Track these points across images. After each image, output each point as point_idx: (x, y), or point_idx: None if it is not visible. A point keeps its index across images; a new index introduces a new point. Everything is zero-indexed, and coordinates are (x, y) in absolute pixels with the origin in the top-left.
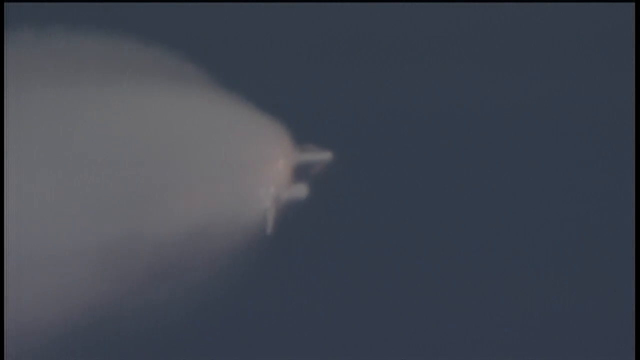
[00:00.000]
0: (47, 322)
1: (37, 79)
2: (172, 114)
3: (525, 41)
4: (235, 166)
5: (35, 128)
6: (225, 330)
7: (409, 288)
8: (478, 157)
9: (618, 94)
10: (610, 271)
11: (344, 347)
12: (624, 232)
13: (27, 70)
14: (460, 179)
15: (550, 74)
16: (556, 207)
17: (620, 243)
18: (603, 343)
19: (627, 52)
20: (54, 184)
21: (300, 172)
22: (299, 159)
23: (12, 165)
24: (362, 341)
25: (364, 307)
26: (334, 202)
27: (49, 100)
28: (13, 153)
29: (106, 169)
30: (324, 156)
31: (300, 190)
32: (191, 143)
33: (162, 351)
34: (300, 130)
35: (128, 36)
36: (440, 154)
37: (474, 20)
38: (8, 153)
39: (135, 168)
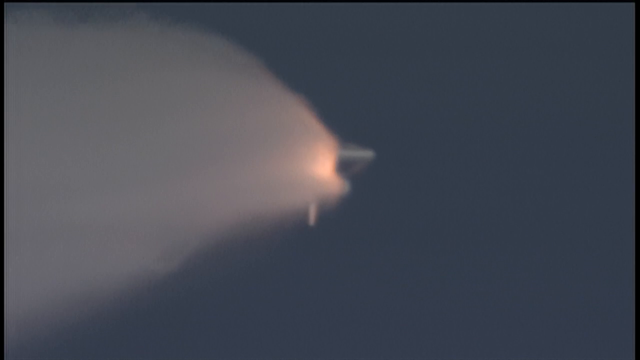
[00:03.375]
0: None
1: (38, 79)
2: (210, 109)
3: (525, 41)
4: (280, 159)
5: (35, 128)
6: (261, 318)
7: (447, 284)
8: (504, 158)
9: (618, 94)
10: (610, 271)
11: (380, 340)
12: (624, 232)
13: (27, 70)
14: (491, 177)
15: (549, 74)
16: (562, 208)
17: (620, 243)
18: (603, 343)
19: (627, 52)
20: (55, 183)
21: (343, 169)
22: (342, 156)
23: (12, 166)
24: (399, 336)
25: (399, 302)
26: (375, 198)
27: (49, 101)
28: (13, 154)
29: (108, 168)
30: (366, 154)
31: (342, 186)
32: (234, 135)
33: (192, 341)
34: (343, 127)
35: (130, 36)
36: (491, 150)
37: (474, 20)
38: (8, 153)
39: (158, 163)
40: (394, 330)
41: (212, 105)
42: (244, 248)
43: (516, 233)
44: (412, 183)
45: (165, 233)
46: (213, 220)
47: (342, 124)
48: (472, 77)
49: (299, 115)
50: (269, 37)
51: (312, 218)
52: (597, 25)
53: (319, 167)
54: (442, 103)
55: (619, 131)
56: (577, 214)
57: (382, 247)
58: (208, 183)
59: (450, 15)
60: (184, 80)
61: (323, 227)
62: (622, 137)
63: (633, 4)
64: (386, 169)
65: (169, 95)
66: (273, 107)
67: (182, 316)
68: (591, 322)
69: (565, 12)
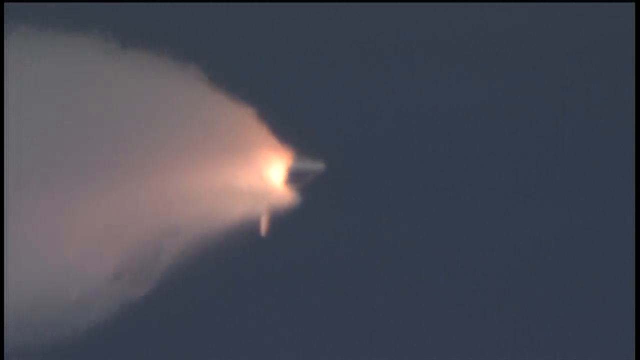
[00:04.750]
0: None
1: (37, 78)
2: (169, 116)
3: (525, 41)
4: (231, 169)
5: (35, 127)
6: (213, 330)
7: (399, 295)
8: (478, 162)
9: (618, 94)
10: (610, 271)
11: (331, 351)
12: (624, 232)
13: (27, 69)
14: (458, 187)
15: (549, 74)
16: (556, 207)
17: (620, 243)
18: (603, 343)
19: (627, 52)
20: (52, 178)
21: (294, 180)
22: (294, 167)
23: (12, 165)
24: (352, 345)
25: (352, 312)
26: (327, 208)
27: (49, 99)
28: (12, 151)
29: (105, 168)
30: (317, 166)
31: (294, 196)
32: (186, 144)
33: (148, 353)
34: (295, 138)
35: (130, 36)
36: (438, 162)
37: (474, 21)
38: (8, 152)
39: (131, 168)
40: (349, 339)
41: (157, 112)
42: (193, 258)
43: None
44: (365, 194)
45: (111, 244)
46: (161, 230)
47: (293, 136)
48: (454, 80)
49: (253, 128)
50: (218, 44)
51: (264, 228)
52: (597, 25)
53: (270, 177)
54: (405, 111)
55: (619, 131)
56: (575, 215)
57: (334, 256)
58: (153, 191)
59: (435, 14)
60: (132, 94)
61: (275, 238)
62: (622, 137)
63: (633, 4)
64: (337, 180)
65: (114, 100)
66: (225, 118)
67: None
68: (591, 322)
69: (565, 12)
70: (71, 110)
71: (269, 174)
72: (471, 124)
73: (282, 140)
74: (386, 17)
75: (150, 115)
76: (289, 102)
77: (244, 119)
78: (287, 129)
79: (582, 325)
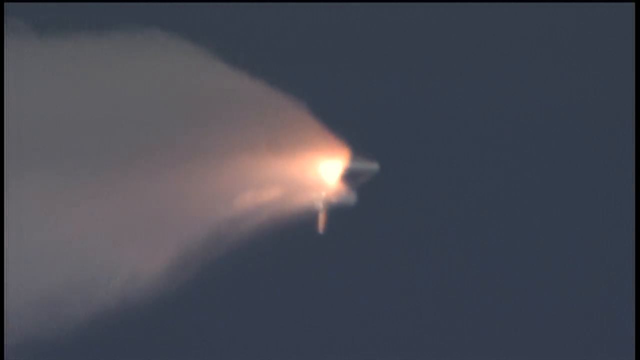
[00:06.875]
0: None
1: (37, 78)
2: (226, 114)
3: (525, 41)
4: (290, 167)
5: (35, 128)
6: (264, 320)
7: (453, 293)
8: (503, 163)
9: (618, 94)
10: (610, 271)
11: (383, 346)
12: (624, 232)
13: (26, 69)
14: (491, 186)
15: (549, 74)
16: (557, 207)
17: (620, 243)
18: (603, 343)
19: (627, 52)
20: (55, 188)
21: (350, 179)
22: (350, 167)
23: (12, 165)
24: (403, 342)
25: (404, 309)
26: (381, 207)
27: (48, 99)
28: (13, 151)
29: (106, 166)
30: (371, 166)
31: (349, 196)
32: (245, 141)
33: (190, 346)
34: (350, 139)
35: (130, 37)
36: (493, 165)
37: (474, 21)
38: (8, 151)
39: (187, 164)
40: (394, 337)
41: (217, 105)
42: (250, 248)
43: (525, 240)
44: (418, 195)
45: (165, 233)
46: (217, 224)
47: (350, 136)
48: (474, 81)
49: (308, 125)
50: (276, 40)
51: (321, 225)
52: (597, 25)
53: (327, 176)
54: (452, 114)
55: (619, 131)
56: (577, 216)
57: (387, 254)
58: (210, 187)
59: (454, 19)
60: (139, 94)
61: (332, 232)
62: (622, 137)
63: (633, 4)
64: (391, 180)
65: (121, 109)
66: (282, 121)
67: (181, 317)
68: (591, 322)
69: (566, 12)
70: (71, 109)
71: (326, 172)
72: (477, 125)
73: (339, 140)
74: (438, 17)
75: (202, 113)
76: (346, 103)
77: (302, 119)
78: (344, 129)
79: (582, 325)
